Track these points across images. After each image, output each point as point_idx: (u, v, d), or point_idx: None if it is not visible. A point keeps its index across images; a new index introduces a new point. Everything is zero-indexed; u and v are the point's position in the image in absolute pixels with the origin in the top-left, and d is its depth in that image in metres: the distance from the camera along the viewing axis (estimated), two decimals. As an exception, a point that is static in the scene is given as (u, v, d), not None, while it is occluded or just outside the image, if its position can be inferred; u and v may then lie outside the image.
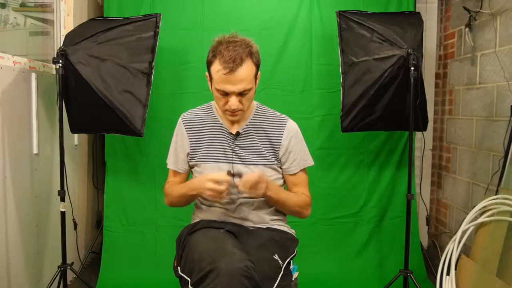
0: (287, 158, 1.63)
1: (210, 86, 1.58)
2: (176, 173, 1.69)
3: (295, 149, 1.63)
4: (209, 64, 1.51)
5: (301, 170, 1.66)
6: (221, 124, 1.63)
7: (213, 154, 1.61)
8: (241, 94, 1.49)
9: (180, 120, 1.68)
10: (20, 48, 2.66)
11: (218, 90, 1.49)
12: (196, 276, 1.31)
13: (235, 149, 1.60)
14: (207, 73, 1.57)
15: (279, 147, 1.61)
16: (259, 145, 1.61)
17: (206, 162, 1.61)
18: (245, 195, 1.54)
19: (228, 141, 1.61)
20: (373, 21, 2.43)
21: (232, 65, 1.43)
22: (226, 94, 1.49)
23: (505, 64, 2.37)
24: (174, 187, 1.65)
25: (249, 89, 1.49)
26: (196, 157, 1.63)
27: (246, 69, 1.46)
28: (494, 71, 2.50)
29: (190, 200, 1.66)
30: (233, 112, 1.52)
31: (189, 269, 1.39)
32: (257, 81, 1.57)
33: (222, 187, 1.44)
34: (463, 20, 2.83)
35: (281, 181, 1.67)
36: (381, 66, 2.33)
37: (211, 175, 1.47)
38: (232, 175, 1.55)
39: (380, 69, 2.33)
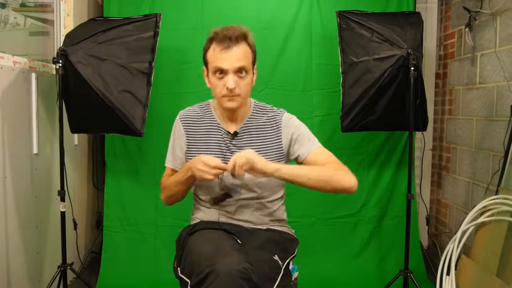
0: (294, 147, 1.58)
1: (207, 79, 1.57)
2: (173, 171, 1.68)
3: (299, 136, 1.59)
4: (205, 50, 1.52)
5: (314, 150, 1.56)
6: (218, 123, 1.62)
7: (213, 153, 1.59)
8: (238, 72, 1.48)
9: (177, 118, 1.67)
10: (20, 48, 2.66)
11: (214, 72, 1.49)
12: (196, 278, 1.31)
13: (232, 148, 1.58)
14: (204, 67, 1.57)
15: (280, 142, 1.60)
16: (257, 144, 1.59)
17: None
18: (246, 176, 1.48)
19: (225, 140, 1.60)
20: (373, 21, 2.43)
21: (229, 43, 1.45)
22: (222, 72, 1.48)
23: (505, 64, 2.37)
24: (171, 177, 1.63)
25: (246, 70, 1.49)
26: (192, 155, 1.61)
27: (242, 48, 1.47)
28: (494, 71, 2.50)
29: (187, 186, 1.57)
30: (231, 93, 1.49)
31: (188, 271, 1.39)
32: (255, 73, 1.56)
33: (213, 172, 1.41)
34: (463, 20, 2.83)
35: (282, 180, 1.64)
36: (381, 66, 2.33)
37: (205, 157, 1.44)
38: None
39: (380, 69, 2.33)
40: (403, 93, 2.32)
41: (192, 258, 1.39)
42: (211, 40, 1.50)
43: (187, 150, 1.63)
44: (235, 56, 1.46)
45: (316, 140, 1.61)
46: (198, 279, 1.29)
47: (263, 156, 1.53)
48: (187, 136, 1.63)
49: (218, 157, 1.55)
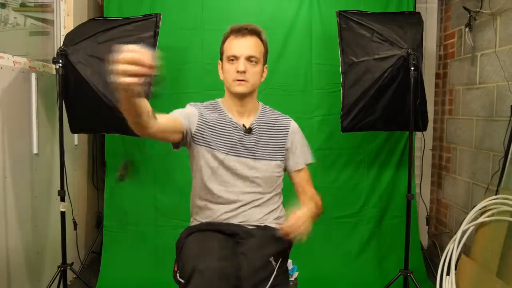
0: (294, 153, 1.69)
1: (221, 72, 1.67)
2: (169, 118, 1.52)
3: (300, 145, 1.71)
4: (223, 42, 1.65)
5: (306, 165, 1.72)
6: (230, 118, 1.66)
7: (223, 143, 1.61)
8: (249, 60, 1.59)
9: (190, 105, 1.69)
10: (20, 48, 2.66)
11: (228, 59, 1.60)
12: (184, 280, 1.35)
13: (244, 141, 1.62)
14: (219, 61, 1.68)
15: (284, 143, 1.67)
16: (266, 140, 1.65)
17: (214, 150, 1.60)
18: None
19: (238, 134, 1.63)
20: (373, 21, 2.43)
21: (244, 32, 1.60)
22: (235, 59, 1.59)
23: (505, 64, 2.37)
24: None
25: (256, 59, 1.61)
26: (202, 140, 1.61)
27: (256, 41, 1.63)
28: (494, 71, 2.50)
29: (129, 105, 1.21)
30: (241, 77, 1.58)
31: (181, 273, 1.42)
32: (265, 71, 1.69)
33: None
34: (463, 20, 2.83)
35: (281, 179, 1.71)
36: (381, 66, 2.33)
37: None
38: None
39: (380, 69, 2.33)
40: (403, 93, 2.32)
41: (184, 261, 1.43)
42: (229, 33, 1.63)
43: (195, 132, 1.61)
44: (247, 44, 1.60)
45: (309, 155, 1.74)
46: (185, 281, 1.34)
47: (270, 153, 1.65)
48: (199, 119, 1.62)
49: (228, 149, 1.61)
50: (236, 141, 1.62)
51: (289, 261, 1.66)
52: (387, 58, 2.32)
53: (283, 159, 1.68)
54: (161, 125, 1.42)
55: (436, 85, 3.27)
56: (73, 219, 2.50)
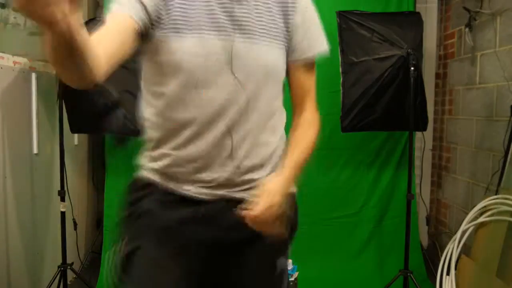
0: (305, 32, 1.16)
1: None
2: (114, 17, 0.95)
3: (314, 23, 1.20)
4: None
5: (311, 67, 1.22)
6: None
7: (194, 20, 1.00)
8: None
9: None
10: (20, 48, 2.66)
11: None
12: None
13: (234, 14, 1.02)
14: None
15: (293, 14, 1.13)
16: (265, 15, 1.08)
17: (180, 32, 0.99)
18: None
19: (224, 4, 1.02)
20: (373, 21, 2.43)
21: None
22: None
23: (505, 64, 2.37)
24: None
25: None
26: (167, 23, 0.99)
27: None
28: (494, 71, 2.50)
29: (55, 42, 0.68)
30: None
31: None
32: None
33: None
34: (463, 20, 2.83)
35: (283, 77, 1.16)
36: (381, 66, 2.34)
37: None
38: None
39: (380, 69, 2.34)
40: (403, 93, 2.32)
41: None
42: None
43: (158, 15, 0.99)
44: None
45: (324, 39, 1.24)
46: None
47: (271, 34, 1.09)
48: None
49: (207, 24, 1.01)
50: (221, 16, 1.01)
51: (289, 261, 1.65)
52: (387, 58, 2.32)
53: (281, 41, 1.12)
54: (108, 57, 0.90)
55: (436, 85, 3.26)
56: (73, 219, 2.50)
